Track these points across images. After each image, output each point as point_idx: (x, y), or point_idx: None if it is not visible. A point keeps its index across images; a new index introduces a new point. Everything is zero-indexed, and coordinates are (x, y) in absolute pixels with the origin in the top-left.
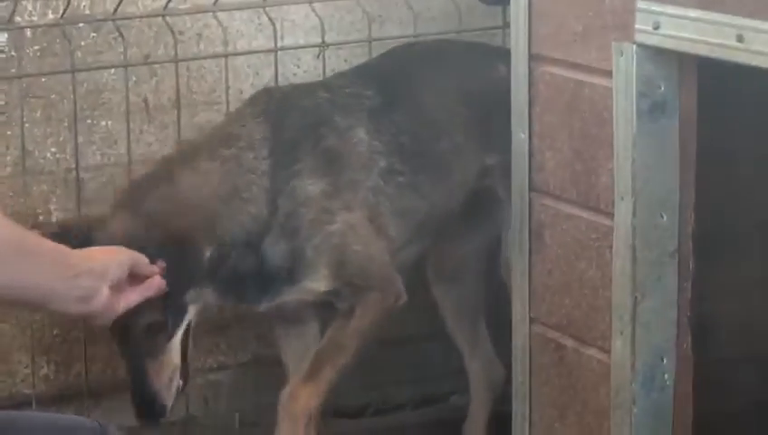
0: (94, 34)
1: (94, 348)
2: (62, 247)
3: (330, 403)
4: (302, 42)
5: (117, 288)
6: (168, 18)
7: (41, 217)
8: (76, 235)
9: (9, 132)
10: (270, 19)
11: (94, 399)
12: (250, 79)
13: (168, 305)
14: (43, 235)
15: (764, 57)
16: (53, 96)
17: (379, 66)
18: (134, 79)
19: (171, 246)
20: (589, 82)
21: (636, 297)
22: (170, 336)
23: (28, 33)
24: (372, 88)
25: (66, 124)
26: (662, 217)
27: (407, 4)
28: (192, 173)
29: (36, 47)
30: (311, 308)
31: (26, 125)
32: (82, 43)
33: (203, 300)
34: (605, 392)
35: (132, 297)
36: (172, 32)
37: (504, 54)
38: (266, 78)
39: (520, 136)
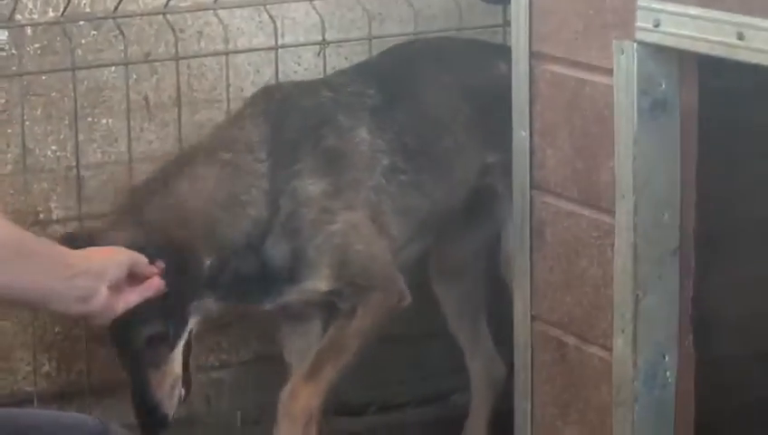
0: (95, 32)
1: (96, 346)
2: (61, 248)
3: (331, 401)
4: (302, 39)
5: (116, 288)
6: (168, 16)
7: (41, 216)
8: (78, 246)
9: (10, 130)
10: (270, 17)
11: (96, 396)
12: (251, 77)
13: (169, 317)
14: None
15: (765, 55)
16: (54, 94)
17: (379, 64)
18: (135, 77)
19: (172, 258)
20: (589, 80)
21: (637, 295)
22: (172, 347)
23: (29, 30)
24: (373, 86)
25: (67, 122)
26: (663, 214)
27: (407, 1)
28: (190, 180)
29: (37, 45)
30: (314, 307)
31: (27, 123)
32: (83, 41)
33: (204, 309)
34: (607, 390)
35: (131, 298)
36: (173, 30)
37: (505, 52)
38: (267, 76)
39: (521, 134)
